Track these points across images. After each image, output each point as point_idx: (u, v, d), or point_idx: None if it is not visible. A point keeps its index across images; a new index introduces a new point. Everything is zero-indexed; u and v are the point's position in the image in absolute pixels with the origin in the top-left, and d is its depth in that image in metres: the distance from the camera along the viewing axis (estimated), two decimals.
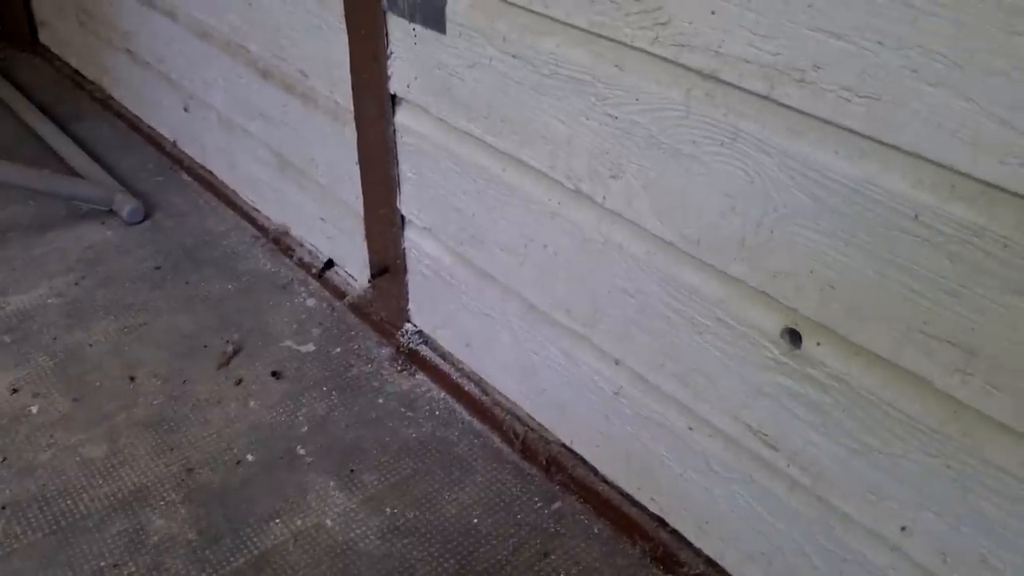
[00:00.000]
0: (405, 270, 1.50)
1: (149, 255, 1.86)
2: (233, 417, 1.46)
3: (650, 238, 1.03)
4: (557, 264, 1.18)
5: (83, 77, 2.55)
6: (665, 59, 0.92)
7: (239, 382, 1.53)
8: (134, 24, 2.09)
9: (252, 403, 1.49)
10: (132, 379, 1.53)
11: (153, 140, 2.23)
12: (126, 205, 1.93)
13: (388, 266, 1.51)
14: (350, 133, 1.47)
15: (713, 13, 0.85)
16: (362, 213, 1.54)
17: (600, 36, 0.97)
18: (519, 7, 1.06)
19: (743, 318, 0.97)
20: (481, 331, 1.39)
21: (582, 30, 0.99)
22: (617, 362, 1.17)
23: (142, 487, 1.33)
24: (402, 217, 1.44)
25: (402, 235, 1.47)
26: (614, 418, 1.20)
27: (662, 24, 0.90)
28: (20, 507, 1.30)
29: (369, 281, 1.55)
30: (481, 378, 1.45)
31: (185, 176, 2.13)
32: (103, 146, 2.24)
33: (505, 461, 1.38)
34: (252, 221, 1.93)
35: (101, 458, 1.38)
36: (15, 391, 1.51)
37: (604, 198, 1.05)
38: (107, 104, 2.41)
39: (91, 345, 1.61)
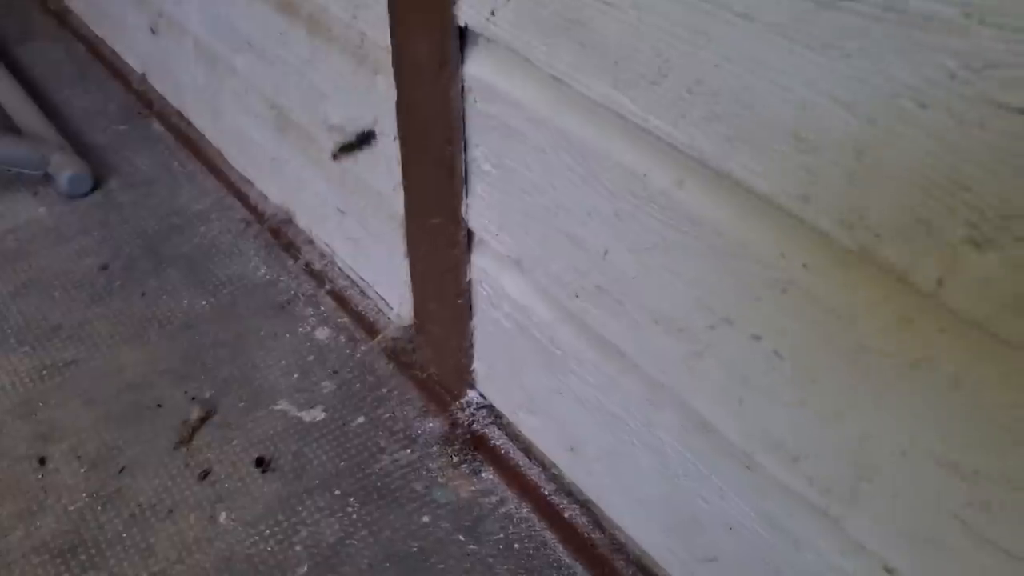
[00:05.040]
0: (471, 312, 0.93)
1: (93, 246, 1.30)
2: (191, 541, 0.92)
3: None
4: (775, 371, 0.60)
5: None
6: None
7: (205, 475, 0.98)
8: None
9: (223, 516, 0.94)
10: (42, 462, 1.00)
11: (118, 72, 1.65)
12: (66, 170, 1.36)
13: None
14: (384, 85, 0.89)
15: None
16: (402, 213, 0.97)
17: None
18: None
19: None
20: (600, 435, 0.83)
21: None
22: (890, 571, 0.60)
23: None
24: (469, 232, 0.87)
25: (468, 259, 0.89)
26: None
27: None
28: None
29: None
30: (592, 502, 0.89)
31: (156, 125, 1.55)
32: (52, 77, 1.67)
33: None
34: (243, 198, 1.36)
35: None
36: None
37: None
38: (64, 19, 1.83)
39: None
